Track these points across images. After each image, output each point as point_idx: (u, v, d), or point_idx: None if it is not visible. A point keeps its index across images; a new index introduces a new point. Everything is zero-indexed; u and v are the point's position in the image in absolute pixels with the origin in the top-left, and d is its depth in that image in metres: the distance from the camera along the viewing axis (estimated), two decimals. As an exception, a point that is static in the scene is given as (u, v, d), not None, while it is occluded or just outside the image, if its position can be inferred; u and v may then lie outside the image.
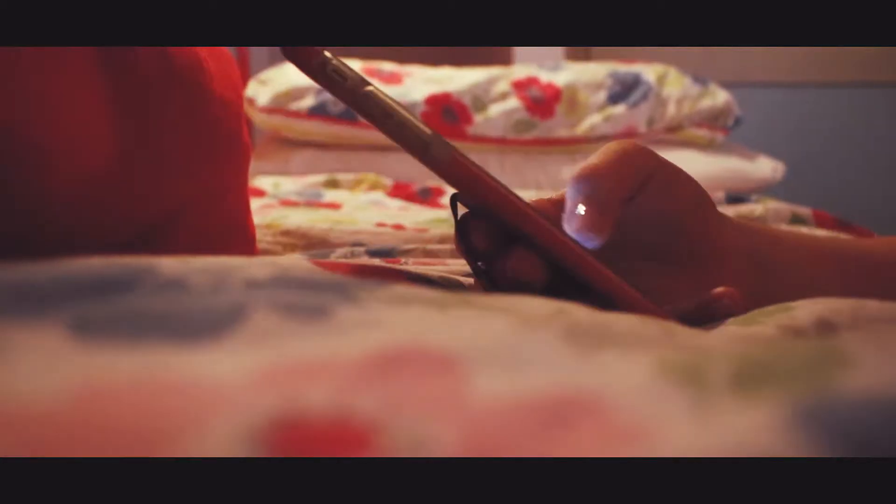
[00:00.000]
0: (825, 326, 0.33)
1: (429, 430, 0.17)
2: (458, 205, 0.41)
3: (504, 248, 0.39)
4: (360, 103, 0.35)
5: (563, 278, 0.39)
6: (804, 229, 1.05)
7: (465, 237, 0.40)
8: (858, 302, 0.35)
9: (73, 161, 0.45)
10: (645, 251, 0.43)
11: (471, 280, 0.48)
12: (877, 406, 0.17)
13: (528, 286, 0.38)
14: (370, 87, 0.35)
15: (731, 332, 0.34)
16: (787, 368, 0.20)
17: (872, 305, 0.34)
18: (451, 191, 1.42)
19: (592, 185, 0.38)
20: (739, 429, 0.17)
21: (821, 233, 1.02)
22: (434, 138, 0.35)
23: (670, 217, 0.42)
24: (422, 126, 0.35)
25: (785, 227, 1.07)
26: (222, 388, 0.18)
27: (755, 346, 0.23)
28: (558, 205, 0.41)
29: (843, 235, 1.00)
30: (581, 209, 0.38)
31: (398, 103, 0.35)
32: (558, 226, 0.39)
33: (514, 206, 0.37)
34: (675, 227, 0.42)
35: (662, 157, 0.42)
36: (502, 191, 0.37)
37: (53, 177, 0.44)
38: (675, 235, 0.42)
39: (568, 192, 0.39)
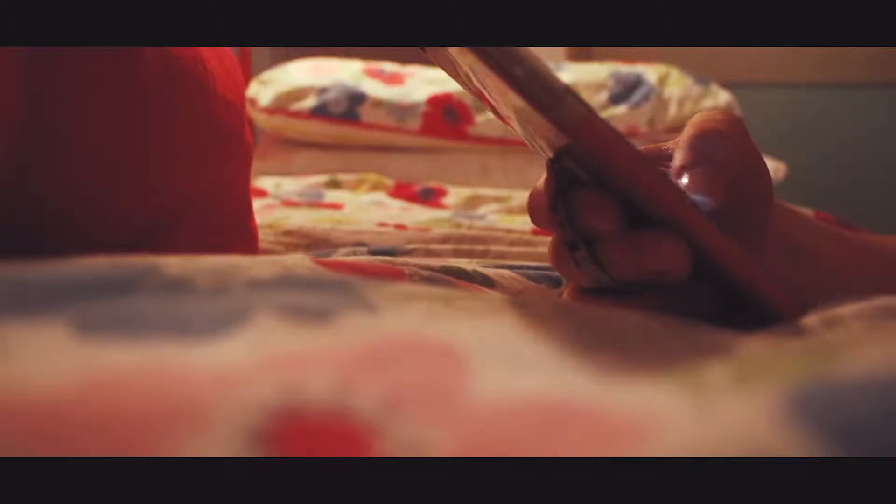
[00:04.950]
0: (832, 321, 0.33)
1: (426, 429, 0.17)
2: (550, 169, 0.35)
3: (627, 230, 0.33)
4: (482, 49, 0.29)
5: (700, 273, 0.35)
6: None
7: (572, 211, 0.34)
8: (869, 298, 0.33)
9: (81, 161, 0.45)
10: None
11: (471, 268, 0.47)
12: (869, 391, 0.17)
13: (664, 278, 0.33)
14: None
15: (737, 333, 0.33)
16: (784, 360, 0.20)
17: (882, 298, 0.33)
18: (454, 190, 1.41)
19: (714, 144, 0.35)
20: (737, 423, 0.17)
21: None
22: (567, 91, 0.29)
23: (742, 205, 0.39)
24: (554, 76, 0.30)
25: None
26: (223, 379, 0.18)
27: (756, 341, 0.23)
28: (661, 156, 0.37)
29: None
30: (699, 169, 0.34)
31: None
32: (709, 215, 0.33)
33: (661, 183, 0.31)
34: (740, 214, 0.39)
35: (755, 147, 0.39)
36: (644, 162, 0.31)
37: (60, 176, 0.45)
38: (736, 220, 0.39)
39: (685, 146, 0.36)
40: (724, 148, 0.35)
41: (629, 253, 0.33)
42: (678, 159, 0.36)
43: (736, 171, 0.36)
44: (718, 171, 0.35)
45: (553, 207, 0.35)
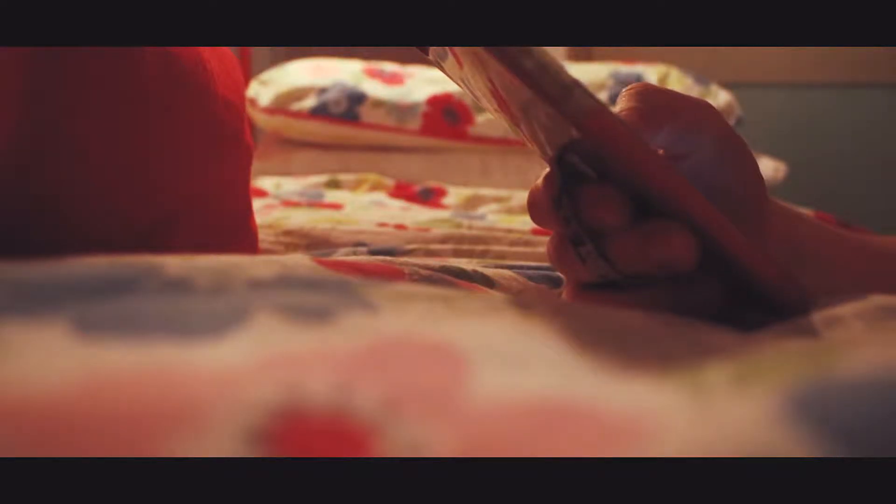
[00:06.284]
0: (832, 321, 0.33)
1: (425, 429, 0.17)
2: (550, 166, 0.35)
3: (634, 224, 0.33)
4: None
5: (707, 263, 0.35)
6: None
7: (577, 206, 0.34)
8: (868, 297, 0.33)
9: (80, 161, 0.45)
10: None
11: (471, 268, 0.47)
12: (869, 391, 0.17)
13: (673, 269, 0.33)
14: None
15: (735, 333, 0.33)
16: (784, 360, 0.20)
17: (881, 298, 0.33)
18: (454, 190, 1.41)
19: (645, 94, 0.39)
20: (736, 423, 0.17)
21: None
22: (576, 84, 0.30)
23: (724, 190, 0.39)
24: (564, 69, 0.30)
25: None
26: (223, 379, 0.18)
27: (755, 341, 0.23)
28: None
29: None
30: (625, 111, 0.38)
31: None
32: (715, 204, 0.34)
33: (669, 172, 0.31)
34: (725, 202, 0.39)
35: (736, 132, 0.40)
36: (652, 152, 0.31)
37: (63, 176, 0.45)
38: (731, 216, 0.39)
39: (623, 94, 0.40)
40: (654, 96, 0.39)
41: (637, 245, 0.33)
42: (615, 107, 0.39)
43: (680, 123, 0.39)
44: (637, 111, 0.38)
45: (556, 203, 0.35)
